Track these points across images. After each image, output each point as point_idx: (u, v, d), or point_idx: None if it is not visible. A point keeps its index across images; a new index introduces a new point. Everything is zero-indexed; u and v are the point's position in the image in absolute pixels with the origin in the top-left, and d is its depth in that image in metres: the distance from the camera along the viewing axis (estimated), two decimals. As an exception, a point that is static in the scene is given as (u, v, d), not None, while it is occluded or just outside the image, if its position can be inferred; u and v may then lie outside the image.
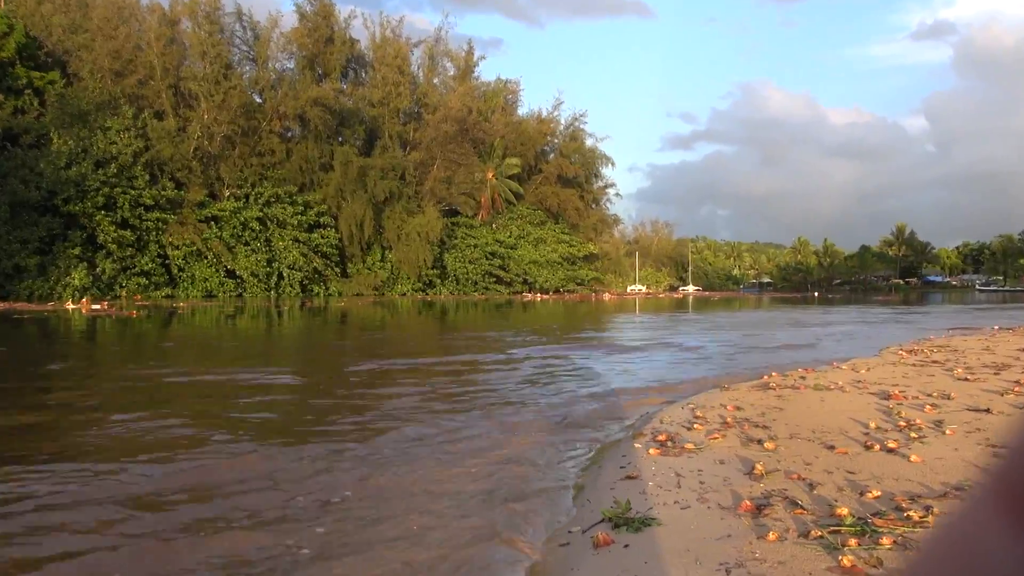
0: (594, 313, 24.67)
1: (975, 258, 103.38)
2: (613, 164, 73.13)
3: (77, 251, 34.09)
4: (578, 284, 62.86)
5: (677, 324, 17.43)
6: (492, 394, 5.89)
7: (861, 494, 2.56)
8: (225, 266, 42.42)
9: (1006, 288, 77.99)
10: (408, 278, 51.49)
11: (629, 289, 78.34)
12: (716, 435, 3.79)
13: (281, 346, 9.85)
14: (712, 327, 15.74)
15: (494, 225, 61.60)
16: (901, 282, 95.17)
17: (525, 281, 59.39)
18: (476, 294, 54.31)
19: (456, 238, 55.96)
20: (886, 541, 2.06)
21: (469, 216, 58.23)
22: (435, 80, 57.73)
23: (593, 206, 72.94)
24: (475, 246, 55.93)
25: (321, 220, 48.23)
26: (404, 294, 50.59)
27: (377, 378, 6.42)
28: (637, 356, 9.04)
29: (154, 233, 38.93)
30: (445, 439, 4.06)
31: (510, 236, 60.27)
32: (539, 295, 55.63)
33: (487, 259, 56.02)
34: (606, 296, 53.22)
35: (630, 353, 9.46)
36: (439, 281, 53.65)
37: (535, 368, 7.75)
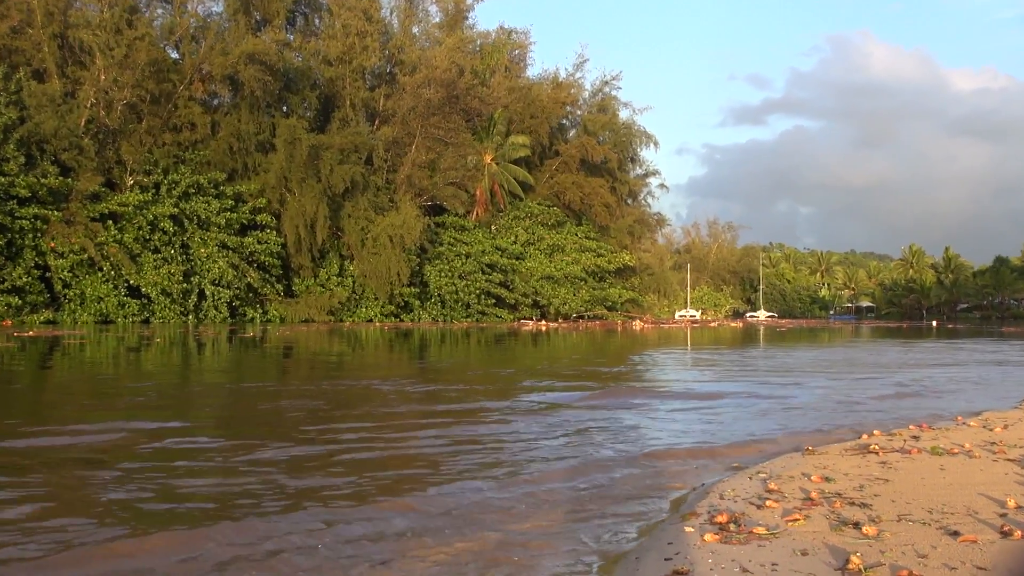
0: (629, 348, 24.71)
1: None
2: (656, 145, 74.38)
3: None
4: (608, 308, 63.92)
5: (742, 363, 17.44)
6: (496, 452, 5.90)
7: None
8: (127, 281, 41.97)
9: None
10: (375, 299, 52.11)
11: (678, 315, 79.32)
12: (796, 515, 3.78)
13: (197, 393, 9.80)
14: (789, 367, 15.62)
15: (493, 227, 62.48)
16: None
17: (536, 303, 60.85)
18: (468, 320, 55.23)
19: (442, 244, 56.67)
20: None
21: (459, 215, 59.06)
22: (414, 29, 57.78)
23: (629, 201, 73.77)
24: (467, 256, 56.52)
25: (258, 219, 48.47)
26: (371, 320, 51.41)
27: (337, 438, 6.41)
28: (690, 406, 9.11)
29: (30, 236, 38.47)
30: (428, 519, 4.11)
31: (515, 242, 61.45)
32: (552, 322, 56.21)
33: (483, 273, 56.67)
34: (637, 325, 53.65)
35: (680, 402, 9.56)
36: (418, 303, 54.41)
37: (555, 419, 7.85)
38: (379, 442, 6.24)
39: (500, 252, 58.90)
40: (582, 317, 62.00)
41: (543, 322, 52.20)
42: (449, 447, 6.11)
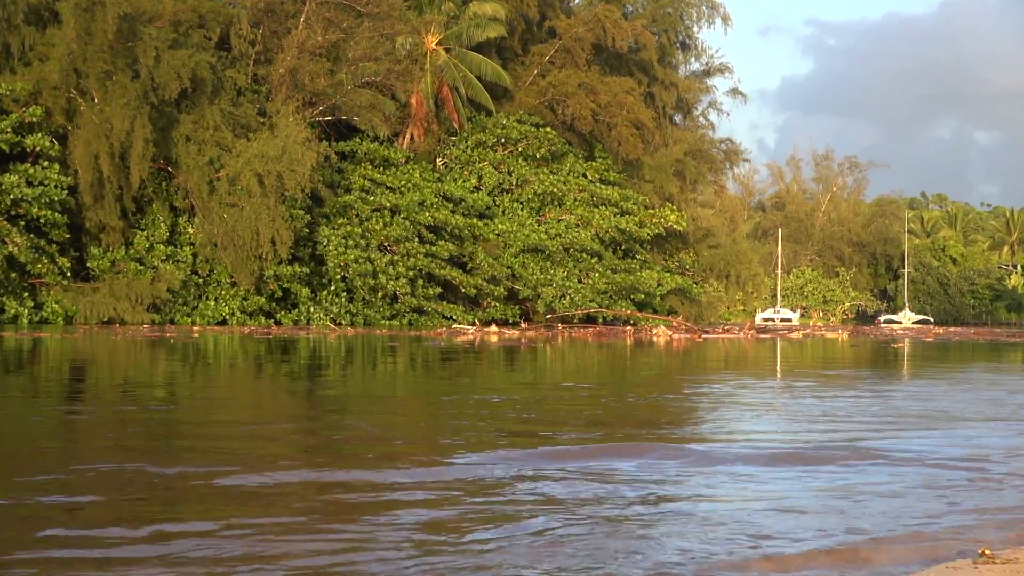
0: (677, 371, 24.50)
1: None
2: (727, 20, 73.45)
3: None
4: (638, 304, 64.46)
5: (880, 403, 17.65)
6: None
7: None
8: None
9: None
10: (233, 285, 53.48)
11: (762, 318, 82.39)
12: None
13: None
14: (956, 415, 15.82)
15: (441, 162, 64.36)
16: None
17: (513, 295, 61.91)
18: (395, 323, 56.89)
19: (350, 191, 57.96)
20: None
21: (381, 140, 60.36)
22: None
23: (677, 119, 74.89)
24: (394, 210, 57.64)
25: (26, 143, 48.80)
26: (224, 321, 53.02)
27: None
28: (804, 472, 9.56)
29: None
30: None
31: (478, 188, 63.23)
32: (534, 327, 56.72)
33: (421, 241, 57.71)
34: (661, 335, 53.08)
35: (786, 468, 9.87)
36: (307, 293, 55.52)
37: (581, 493, 8.35)
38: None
39: (452, 205, 59.44)
40: (592, 320, 62.37)
41: (497, 329, 51.58)
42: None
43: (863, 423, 14.11)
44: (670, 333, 52.74)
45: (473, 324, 55.20)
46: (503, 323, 58.10)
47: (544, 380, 22.44)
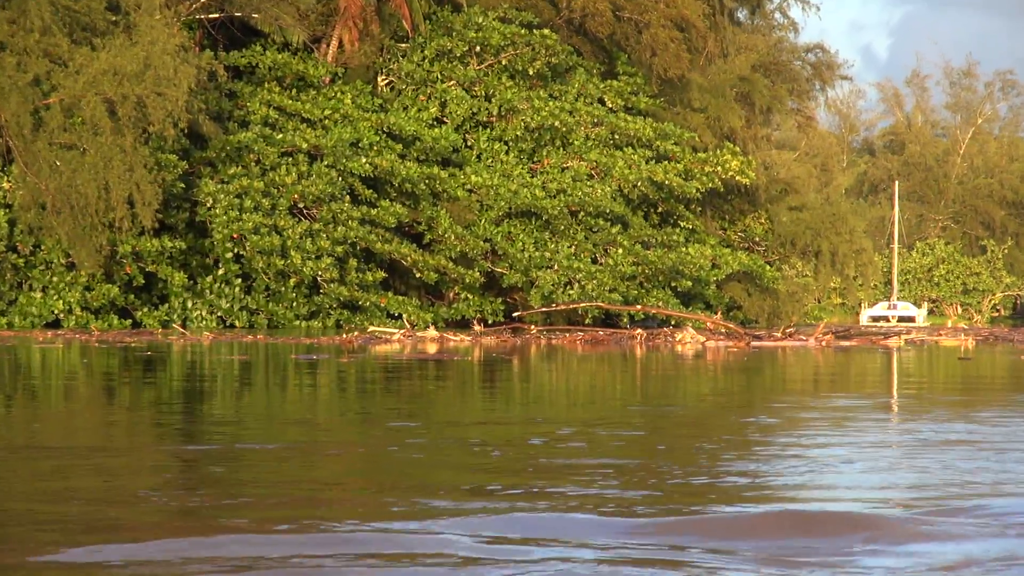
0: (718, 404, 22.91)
1: None
2: None
3: None
4: (686, 295, 65.00)
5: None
6: None
7: None
8: None
9: None
10: (68, 270, 54.11)
11: (867, 317, 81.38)
12: None
13: None
14: None
15: (383, 80, 65.78)
16: None
17: (492, 282, 62.90)
18: (313, 324, 58.32)
19: (247, 125, 59.09)
20: None
21: (293, 49, 62.42)
22: None
23: (740, 16, 74.15)
24: (314, 154, 58.84)
25: None
26: (57, 321, 53.82)
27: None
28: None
29: None
30: None
31: (440, 122, 64.41)
32: (519, 329, 55.55)
33: (356, 201, 58.96)
34: (688, 341, 50.90)
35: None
36: (182, 279, 55.86)
37: None
38: None
39: (401, 146, 60.42)
40: (613, 321, 61.13)
41: (437, 334, 49.95)
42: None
43: None
44: (701, 340, 51.18)
45: (429, 325, 54.11)
46: (481, 323, 56.62)
47: (465, 419, 20.44)
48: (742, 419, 23.93)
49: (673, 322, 60.68)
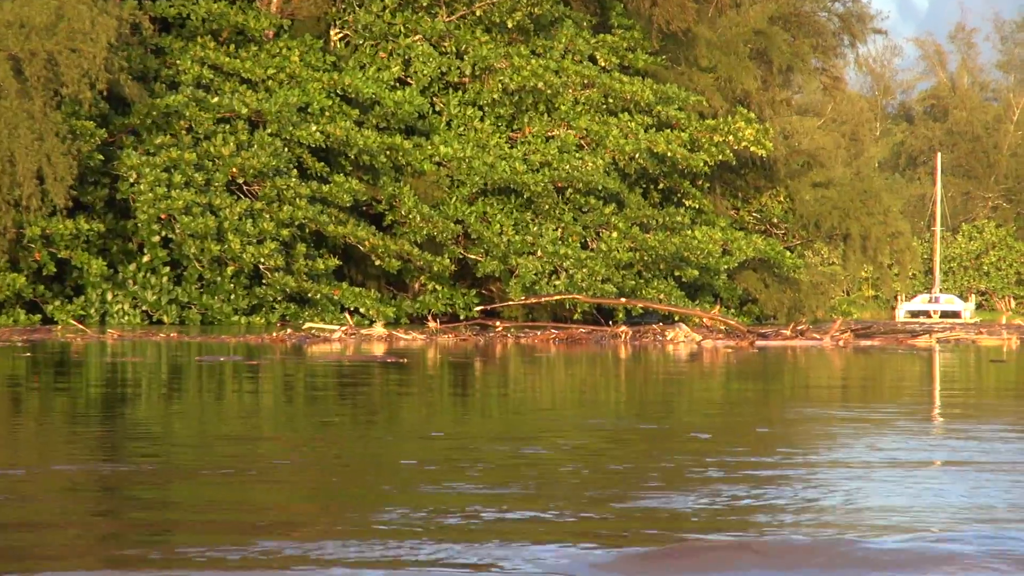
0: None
1: None
2: None
3: None
4: (691, 285, 66.20)
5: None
6: None
7: None
8: None
9: None
10: None
11: (905, 312, 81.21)
12: None
13: None
14: None
15: (336, 34, 66.21)
16: None
17: (466, 271, 63.97)
18: (255, 320, 58.60)
19: (177, 85, 58.75)
20: None
21: None
22: None
23: None
24: (255, 120, 58.85)
25: None
26: None
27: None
28: None
29: None
30: None
31: (402, 83, 64.56)
32: (496, 325, 55.29)
33: (303, 175, 59.06)
34: (682, 338, 50.31)
35: None
36: (100, 268, 55.60)
37: None
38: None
39: (357, 111, 60.70)
40: (607, 317, 60.42)
41: (385, 332, 49.33)
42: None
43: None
44: (697, 338, 50.57)
45: (373, 322, 53.56)
46: (435, 319, 55.75)
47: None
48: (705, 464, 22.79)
49: (676, 318, 60.32)
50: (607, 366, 38.68)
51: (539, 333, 51.50)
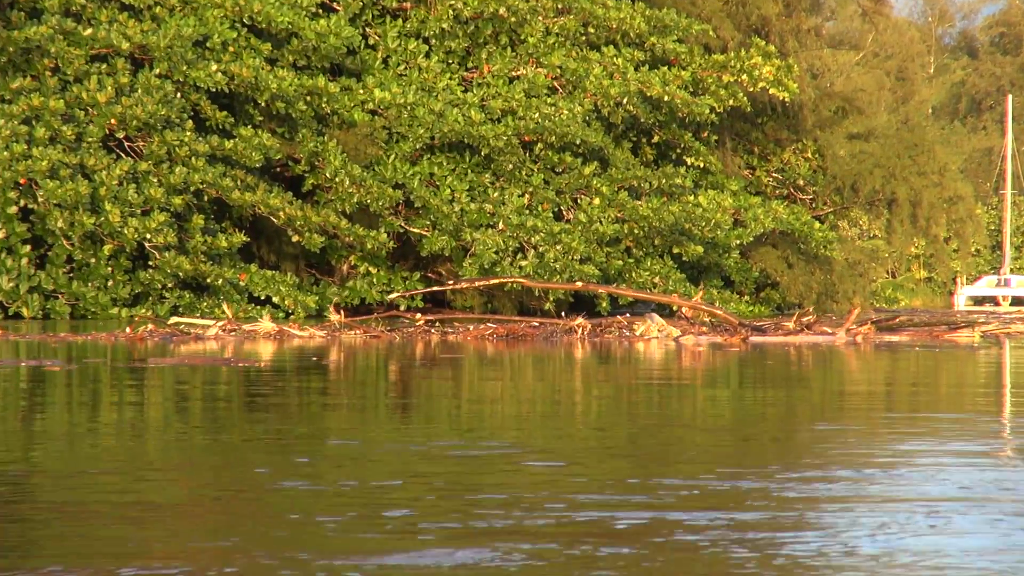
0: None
1: None
2: None
3: None
4: (695, 266, 68.53)
5: None
6: None
7: None
8: None
9: None
10: None
11: (966, 298, 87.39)
12: None
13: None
14: None
15: None
16: None
17: (408, 249, 66.01)
18: (138, 310, 58.47)
19: (38, 14, 60.71)
20: None
21: None
22: None
23: None
24: (138, 57, 60.67)
25: None
26: None
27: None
28: None
29: None
30: None
31: (328, 9, 66.91)
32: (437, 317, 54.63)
33: (199, 128, 60.91)
34: (644, 337, 50.28)
35: None
36: None
37: None
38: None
39: (269, 45, 61.70)
40: (593, 307, 59.22)
41: (273, 327, 49.36)
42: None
43: None
44: (675, 333, 49.16)
45: (261, 318, 52.36)
46: (339, 310, 54.06)
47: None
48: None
49: (675, 308, 59.76)
50: (545, 375, 37.33)
51: (472, 328, 50.37)
